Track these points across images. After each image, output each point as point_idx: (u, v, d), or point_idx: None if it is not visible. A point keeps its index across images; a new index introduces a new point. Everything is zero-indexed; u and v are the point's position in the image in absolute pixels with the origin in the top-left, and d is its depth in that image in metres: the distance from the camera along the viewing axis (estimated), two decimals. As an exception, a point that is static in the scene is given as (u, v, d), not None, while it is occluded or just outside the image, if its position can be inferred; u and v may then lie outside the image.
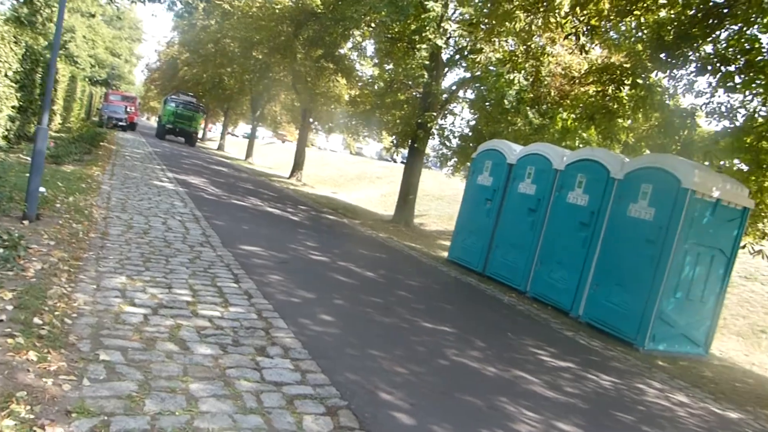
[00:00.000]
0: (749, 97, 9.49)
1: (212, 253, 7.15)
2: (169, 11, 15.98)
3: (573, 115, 12.58)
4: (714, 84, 9.65)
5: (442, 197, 23.92)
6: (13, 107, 11.74)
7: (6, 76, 10.80)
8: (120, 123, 35.51)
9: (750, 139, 9.31)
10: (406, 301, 7.18)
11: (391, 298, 7.05)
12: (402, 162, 36.18)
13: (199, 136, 40.46)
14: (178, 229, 8.18)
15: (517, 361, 5.58)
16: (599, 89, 10.96)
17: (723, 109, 9.74)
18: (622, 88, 10.85)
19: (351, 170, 33.09)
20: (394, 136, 20.05)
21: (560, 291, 8.90)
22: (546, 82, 12.96)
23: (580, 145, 12.93)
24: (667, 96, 10.80)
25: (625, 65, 10.85)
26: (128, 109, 38.91)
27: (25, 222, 6.37)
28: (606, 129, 10.84)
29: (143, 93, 66.42)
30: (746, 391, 6.78)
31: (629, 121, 11.84)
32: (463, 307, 7.84)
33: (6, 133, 11.87)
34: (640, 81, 10.50)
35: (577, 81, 12.32)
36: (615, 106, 11.02)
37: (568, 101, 12.79)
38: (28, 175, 7.95)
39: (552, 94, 12.80)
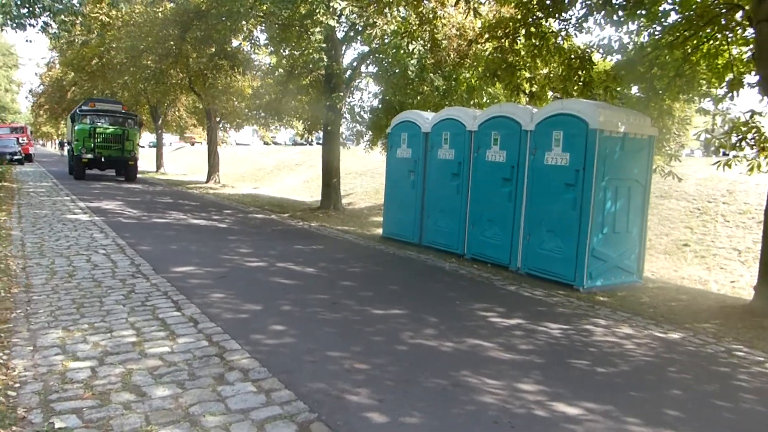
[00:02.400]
0: (635, 29, 9.97)
1: (146, 282, 6.92)
2: (43, 34, 14.96)
3: (476, 74, 12.82)
4: (601, 21, 10.05)
5: (364, 173, 24.01)
6: None
7: None
8: (15, 157, 33.43)
9: (643, 68, 9.79)
10: (352, 290, 7.22)
11: (337, 292, 7.07)
12: (318, 143, 35.94)
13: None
14: (104, 264, 7.84)
15: (470, 329, 5.76)
16: (496, 45, 11.19)
17: (615, 44, 10.19)
18: (517, 40, 11.13)
19: (268, 162, 32.58)
20: (305, 122, 19.84)
21: (496, 247, 9.20)
22: (444, 46, 13.12)
23: (488, 101, 13.26)
24: (561, 39, 11.15)
25: (516, 17, 11.12)
26: (20, 141, 36.71)
27: (-63, 292, 5.95)
28: (510, 83, 11.12)
29: (32, 120, 62.48)
30: (682, 308, 7.29)
31: (530, 71, 12.19)
32: (408, 283, 7.97)
33: None
34: (533, 30, 10.79)
35: (473, 41, 12.53)
36: (514, 59, 11.30)
37: (469, 61, 13.02)
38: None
39: (452, 56, 12.98)
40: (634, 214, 8.35)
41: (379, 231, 12.42)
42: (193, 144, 56.04)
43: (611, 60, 10.67)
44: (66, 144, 33.31)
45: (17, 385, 3.96)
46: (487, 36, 11.62)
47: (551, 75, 12.00)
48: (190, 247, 9.54)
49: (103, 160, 23.26)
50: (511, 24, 11.03)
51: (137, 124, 25.44)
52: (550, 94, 12.60)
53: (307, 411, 3.71)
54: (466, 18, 13.04)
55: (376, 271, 8.79)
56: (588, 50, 10.57)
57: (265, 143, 40.79)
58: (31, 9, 13.20)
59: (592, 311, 6.76)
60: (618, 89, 10.14)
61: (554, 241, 8.21)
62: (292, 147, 41.16)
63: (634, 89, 11.00)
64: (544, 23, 11.02)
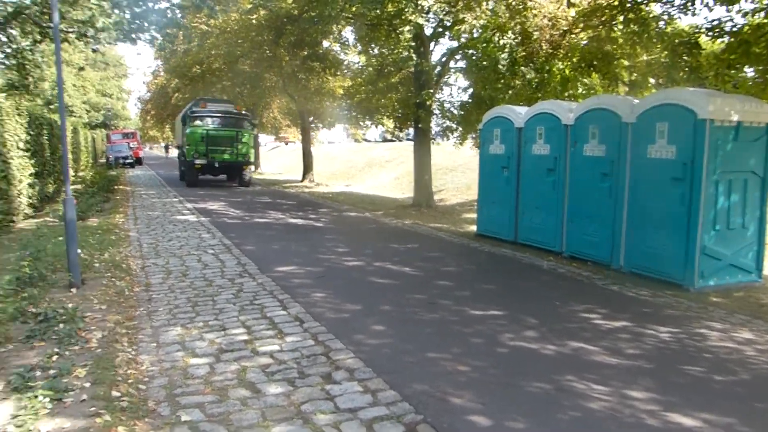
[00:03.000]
0: (749, 5, 9.29)
1: (252, 282, 7.29)
2: (150, 46, 16.05)
3: (570, 65, 12.44)
4: (709, 1, 9.47)
5: (454, 168, 23.89)
6: (30, 174, 11.98)
7: (19, 148, 11.02)
8: (127, 161, 35.95)
9: (759, 49, 9.11)
10: (449, 290, 7.25)
11: (433, 291, 7.13)
12: (407, 139, 36.12)
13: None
14: (213, 263, 8.32)
15: (572, 331, 5.64)
16: (592, 34, 10.81)
17: (726, 26, 9.54)
18: (615, 27, 10.71)
19: (359, 159, 33.09)
20: (395, 119, 20.02)
21: (596, 245, 8.92)
22: (535, 37, 12.80)
23: (583, 93, 12.82)
24: (663, 24, 10.60)
25: (613, 3, 10.68)
26: (131, 145, 39.37)
27: (73, 290, 6.55)
28: (607, 72, 10.71)
29: (140, 125, 66.84)
30: (804, 310, 6.77)
31: (629, 60, 11.68)
32: (506, 283, 7.89)
33: (30, 200, 12.13)
34: (632, 15, 10.33)
35: (567, 31, 12.16)
36: (612, 47, 10.89)
37: (562, 51, 12.65)
38: (61, 239, 8.21)
39: (544, 47, 12.66)
40: (752, 209, 7.80)
41: (473, 228, 12.36)
42: (287, 143, 57.93)
43: (722, 42, 10.00)
44: (176, 148, 30.67)
45: (146, 379, 4.32)
46: (582, 25, 11.25)
47: (653, 62, 11.43)
48: (290, 247, 9.92)
49: (216, 165, 21.60)
50: (607, 11, 10.63)
51: (251, 124, 23.32)
52: (651, 82, 12.04)
53: (412, 412, 3.79)
54: (558, 8, 12.67)
55: (472, 269, 8.77)
56: (695, 33, 9.97)
57: (356, 141, 41.48)
58: (140, 24, 14.16)
59: (705, 313, 6.42)
60: (730, 74, 9.49)
61: (660, 239, 7.85)
62: (382, 144, 41.60)
63: (749, 73, 10.25)
64: (644, 8, 10.53)
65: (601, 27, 10.68)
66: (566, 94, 13.02)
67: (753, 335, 5.71)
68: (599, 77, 12.33)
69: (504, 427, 3.67)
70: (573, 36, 12.47)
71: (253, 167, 23.32)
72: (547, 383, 4.34)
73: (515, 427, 3.68)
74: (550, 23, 13.03)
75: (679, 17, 10.45)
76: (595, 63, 10.97)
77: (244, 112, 23.28)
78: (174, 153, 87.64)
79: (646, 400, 4.11)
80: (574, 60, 12.28)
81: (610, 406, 3.99)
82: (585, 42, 11.87)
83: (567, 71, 12.77)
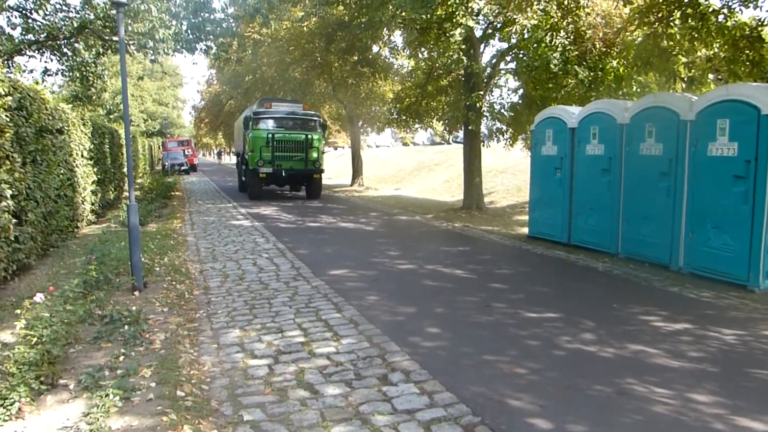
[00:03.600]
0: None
1: (307, 285, 7.41)
2: (206, 56, 16.56)
3: (624, 63, 12.15)
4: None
5: (504, 170, 23.66)
6: (93, 182, 12.52)
7: (83, 156, 11.54)
8: (183, 168, 37.06)
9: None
10: (503, 293, 7.20)
11: (487, 294, 7.09)
12: (456, 142, 35.96)
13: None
14: (268, 267, 8.50)
15: (632, 333, 5.52)
16: (647, 31, 10.53)
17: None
18: (672, 23, 10.40)
19: (408, 163, 33.14)
20: (444, 122, 19.99)
21: (654, 245, 8.69)
22: (588, 36, 12.58)
23: (638, 91, 12.52)
24: (723, 17, 10.23)
25: (669, -1, 10.39)
26: (186, 152, 40.55)
27: (136, 293, 6.81)
28: (664, 69, 10.41)
29: (195, 133, 68.80)
30: None
31: (687, 56, 11.33)
32: (560, 285, 7.77)
33: (93, 206, 12.67)
34: (690, 11, 10.02)
35: (621, 28, 11.89)
36: (669, 44, 10.57)
37: (616, 49, 12.38)
38: (123, 244, 8.55)
39: (597, 46, 12.41)
40: (819, 207, 7.48)
41: (524, 230, 12.21)
42: (336, 148, 58.58)
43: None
44: (235, 155, 26.48)
45: (208, 379, 4.45)
46: (637, 22, 10.98)
47: (712, 57, 11.05)
48: (343, 251, 10.03)
49: (283, 174, 18.87)
50: (664, 6, 10.33)
51: (322, 126, 20.38)
52: (710, 78, 11.64)
53: (470, 414, 3.80)
54: (613, 5, 12.42)
55: (525, 272, 8.68)
56: (757, 26, 9.60)
57: (404, 144, 41.59)
58: (197, 35, 14.62)
59: (771, 315, 6.18)
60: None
61: (722, 238, 7.60)
62: (431, 147, 41.54)
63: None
64: (702, 2, 10.20)
65: (657, 23, 10.38)
66: (620, 92, 12.74)
67: (826, 339, 5.47)
68: (655, 75, 12.00)
69: (564, 429, 3.63)
70: (627, 33, 12.18)
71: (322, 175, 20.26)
72: (607, 386, 4.26)
73: (575, 429, 3.63)
74: (604, 21, 12.78)
75: (740, 10, 10.08)
76: (651, 60, 10.66)
77: (313, 113, 20.30)
78: (227, 160, 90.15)
79: (711, 403, 3.99)
80: (629, 58, 11.99)
81: (673, 409, 3.89)
82: (640, 39, 11.57)
83: (621, 69, 12.49)
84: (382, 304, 6.54)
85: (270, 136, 18.64)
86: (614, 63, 12.60)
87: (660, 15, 10.43)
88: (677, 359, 4.84)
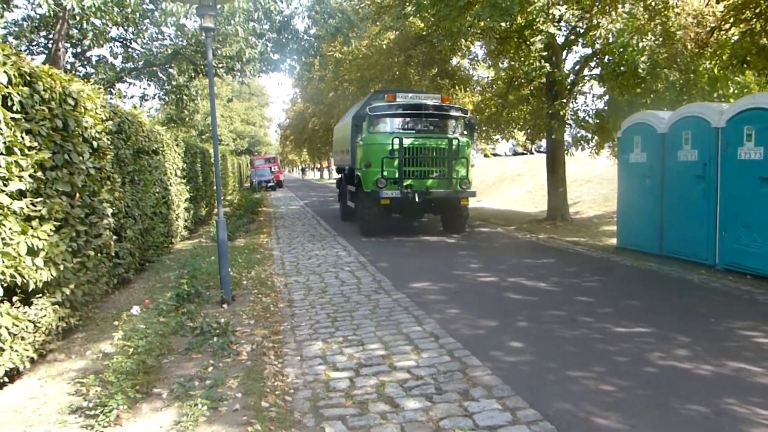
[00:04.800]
0: None
1: (388, 298, 7.45)
2: (290, 76, 17.18)
3: (719, 63, 11.50)
4: None
5: (590, 179, 22.88)
6: (186, 200, 13.20)
7: (176, 175, 12.21)
8: (269, 184, 38.42)
9: None
10: (589, 306, 6.94)
11: (573, 307, 6.85)
12: (539, 152, 35.11)
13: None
14: (350, 280, 8.62)
15: (731, 350, 5.16)
16: (744, 28, 9.93)
17: None
18: (771, 19, 9.79)
19: (489, 174, 32.72)
20: (526, 132, 19.64)
21: (757, 256, 8.13)
22: (678, 37, 12.00)
23: (735, 93, 11.80)
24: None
25: (769, -7, 9.77)
26: (272, 169, 42.03)
27: (225, 306, 7.10)
28: (764, 68, 9.76)
29: (280, 150, 71.23)
30: None
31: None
32: (652, 298, 7.39)
33: (185, 223, 13.35)
34: (793, 4, 9.39)
35: (715, 27, 11.27)
36: (768, 41, 9.94)
37: (710, 50, 11.74)
38: (213, 258, 8.93)
39: (689, 47, 11.82)
40: None
41: (613, 241, 11.74)
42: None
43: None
44: (337, 172, 19.61)
45: (291, 391, 4.55)
46: (732, 19, 10.38)
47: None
48: (424, 263, 10.01)
49: (416, 199, 12.59)
50: (762, 2, 9.73)
51: (470, 127, 14.19)
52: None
53: (555, 432, 3.67)
54: (705, 3, 11.80)
55: (614, 284, 8.32)
56: None
57: (485, 156, 41.16)
58: (281, 54, 15.19)
59: None
60: None
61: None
62: (513, 157, 40.86)
63: None
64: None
65: (754, 19, 9.77)
66: (715, 95, 12.07)
67: None
68: (754, 74, 11.27)
69: (655, 453, 3.45)
70: (722, 32, 11.54)
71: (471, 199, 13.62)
72: (705, 406, 4.00)
73: (668, 453, 3.44)
74: (695, 20, 12.17)
75: None
76: (748, 59, 10.05)
77: (458, 107, 14.51)
78: (311, 175, 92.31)
79: (824, 430, 3.66)
80: (724, 58, 11.35)
81: (780, 435, 3.60)
82: (736, 37, 10.92)
83: (715, 70, 11.84)
84: (463, 318, 6.46)
85: (396, 142, 12.65)
86: (708, 64, 11.96)
87: (758, 10, 9.85)
88: (784, 379, 4.48)
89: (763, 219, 7.98)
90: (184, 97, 18.04)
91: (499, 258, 10.55)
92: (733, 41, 11.21)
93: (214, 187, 18.93)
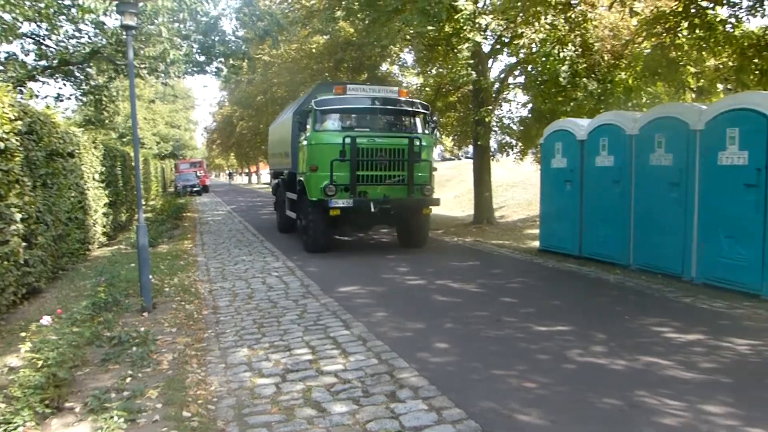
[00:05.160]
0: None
1: (316, 303, 7.38)
2: (217, 78, 16.72)
3: (634, 74, 12.14)
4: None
5: (515, 184, 23.59)
6: (105, 204, 12.64)
7: (94, 179, 11.67)
8: (195, 189, 37.38)
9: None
10: (513, 306, 7.13)
11: (497, 308, 7.02)
12: (466, 158, 35.89)
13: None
14: (277, 285, 8.49)
15: (643, 345, 5.43)
16: (655, 42, 10.51)
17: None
18: (679, 34, 10.39)
19: (419, 179, 33.17)
20: (453, 138, 20.04)
21: (666, 257, 8.60)
22: (596, 48, 12.58)
23: (648, 102, 12.48)
24: (730, 27, 10.19)
25: (677, 10, 10.37)
26: (198, 174, 40.91)
27: (145, 314, 6.83)
28: (673, 80, 10.37)
29: (206, 154, 69.53)
30: None
31: (696, 66, 11.30)
32: (571, 298, 7.68)
33: (104, 229, 12.77)
34: (698, 21, 10.00)
35: (629, 40, 11.88)
36: (677, 54, 10.55)
37: (625, 61, 12.36)
38: (133, 265, 8.58)
39: (606, 58, 12.40)
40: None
41: (536, 244, 12.13)
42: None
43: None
44: (272, 177, 17.62)
45: (215, 399, 4.42)
46: (645, 33, 10.97)
47: (721, 67, 11.00)
48: (352, 268, 10.00)
49: (372, 209, 10.85)
50: (671, 17, 10.33)
51: (431, 123, 12.66)
52: (719, 87, 11.58)
53: (479, 430, 3.73)
54: (620, 18, 12.42)
55: (537, 285, 8.59)
56: (765, 35, 9.55)
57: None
58: (207, 56, 14.80)
59: (788, 326, 6.06)
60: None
61: (734, 248, 7.49)
62: (441, 163, 41.57)
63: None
64: (710, 12, 10.18)
65: (665, 34, 10.37)
66: (630, 104, 12.71)
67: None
68: (664, 85, 11.96)
69: (574, 446, 3.57)
70: (636, 45, 12.18)
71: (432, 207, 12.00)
72: (619, 399, 4.18)
73: (586, 446, 3.57)
74: (612, 33, 12.79)
75: (748, 19, 10.06)
76: (659, 71, 10.65)
77: (417, 101, 12.46)
78: (239, 180, 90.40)
79: (725, 415, 3.90)
80: (638, 69, 11.98)
81: (686, 422, 3.81)
82: (648, 50, 11.55)
83: (630, 81, 12.47)
84: (390, 321, 6.49)
85: (349, 141, 10.76)
86: (623, 75, 12.58)
87: (667, 26, 10.43)
88: (690, 371, 4.74)
89: (671, 222, 8.44)
90: (104, 98, 17.26)
91: (426, 261, 10.68)
92: (645, 54, 11.83)
93: (136, 192, 18.27)
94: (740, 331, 5.87)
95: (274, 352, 5.45)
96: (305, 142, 11.59)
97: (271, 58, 22.76)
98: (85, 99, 17.23)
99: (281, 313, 6.89)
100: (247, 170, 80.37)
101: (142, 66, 14.34)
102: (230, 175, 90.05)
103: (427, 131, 12.09)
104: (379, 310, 6.97)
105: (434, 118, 12.56)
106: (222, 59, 15.16)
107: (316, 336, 5.93)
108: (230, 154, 59.42)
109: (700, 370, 4.76)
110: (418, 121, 12.10)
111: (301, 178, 11.75)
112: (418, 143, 11.14)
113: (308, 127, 11.60)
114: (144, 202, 22.86)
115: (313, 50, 19.84)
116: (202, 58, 14.90)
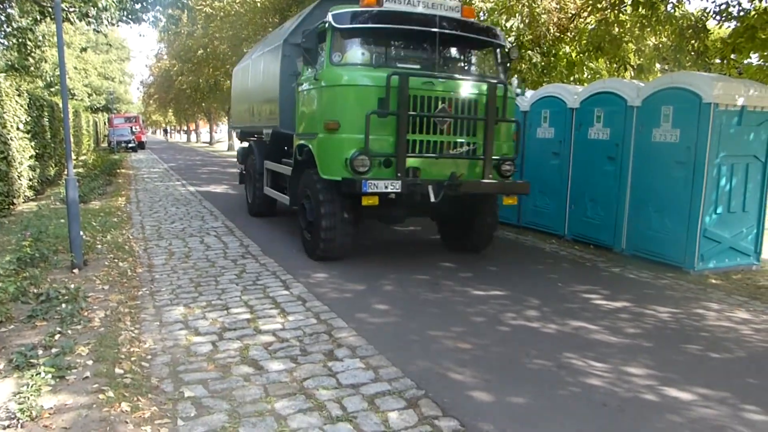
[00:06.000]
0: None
1: (255, 263, 7.30)
2: (154, 28, 15.96)
3: (577, 48, 12.37)
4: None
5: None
6: (31, 157, 11.98)
7: (19, 129, 11.02)
8: (130, 145, 35.97)
9: (765, 35, 9.06)
10: (452, 271, 7.27)
11: (437, 272, 7.14)
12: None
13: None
14: (216, 245, 8.34)
15: (574, 311, 5.66)
16: (600, 17, 10.72)
17: (733, 10, 9.47)
18: (623, 11, 10.63)
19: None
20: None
21: (599, 228, 8.92)
22: (543, 20, 12.71)
23: (589, 77, 12.77)
24: (671, 7, 10.49)
25: (621, -14, 10.60)
26: (134, 129, 39.32)
27: (76, 271, 6.57)
28: (614, 56, 10.65)
29: (143, 110, 66.81)
30: (805, 292, 6.79)
31: (637, 43, 11.62)
32: (508, 265, 7.88)
33: (30, 182, 12.14)
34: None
35: (575, 14, 12.06)
36: (620, 31, 10.80)
37: (569, 35, 12.57)
38: (63, 221, 8.22)
39: (552, 31, 12.57)
40: (752, 193, 7.80)
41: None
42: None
43: (729, 27, 9.93)
44: (240, 140, 13.18)
45: (149, 357, 4.34)
46: (590, 8, 11.16)
47: (660, 46, 11.36)
48: (293, 228, 9.90)
49: (433, 199, 6.76)
50: (616, -6, 10.55)
51: (506, 65, 8.13)
52: (657, 66, 11.97)
53: (414, 388, 3.82)
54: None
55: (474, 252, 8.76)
56: (702, 18, 9.89)
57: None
58: (144, 4, 14.08)
59: (704, 294, 6.44)
60: (736, 59, 9.45)
61: (662, 222, 7.85)
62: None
63: (755, 58, 10.20)
64: (652, -10, 10.44)
65: (609, 10, 10.58)
66: (572, 78, 12.96)
67: (749, 315, 5.77)
68: (606, 61, 12.25)
69: (505, 402, 3.70)
70: (581, 19, 12.38)
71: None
72: (548, 360, 4.37)
73: (517, 402, 3.71)
74: (558, 6, 12.93)
75: (688, 1, 10.38)
76: (602, 46, 10.90)
77: (489, 26, 8.33)
78: (178, 138, 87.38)
79: (644, 376, 4.15)
80: (582, 43, 12.20)
81: (609, 381, 4.02)
82: (593, 26, 11.77)
83: (574, 55, 12.70)
84: (330, 282, 6.50)
85: (396, 83, 6.73)
86: (567, 48, 12.79)
87: (612, 2, 10.64)
88: (615, 335, 4.99)
89: (604, 194, 8.74)
90: (28, 43, 16.18)
91: (370, 225, 10.69)
92: (590, 29, 12.05)
93: (65, 145, 17.41)
94: (662, 299, 6.20)
95: (211, 311, 5.38)
96: (312, 85, 7.41)
97: (213, 11, 21.93)
98: (6, 42, 16.12)
99: (219, 273, 6.79)
100: (185, 128, 77.82)
101: (71, 9, 13.51)
102: (165, 131, 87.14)
103: (503, 71, 8.01)
104: (320, 271, 6.97)
105: (513, 56, 7.96)
106: (160, 8, 14.46)
107: (254, 296, 5.88)
108: (168, 110, 57.26)
109: (625, 335, 5.02)
110: (492, 58, 8.22)
111: (304, 142, 7.57)
112: (501, 93, 7.27)
113: (321, 59, 7.29)
114: (75, 157, 21.84)
115: (258, 4, 19.21)
116: (138, 6, 14.15)
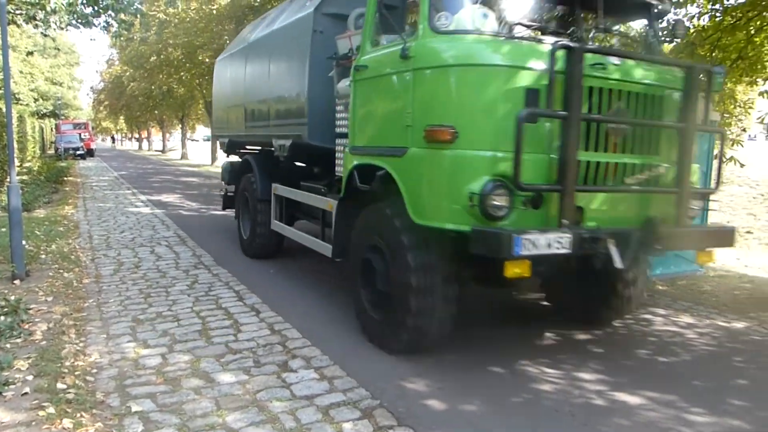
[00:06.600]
0: (695, 9, 9.58)
1: (208, 273, 7.16)
2: (105, 33, 15.54)
3: None
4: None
5: None
6: (-30, 164, 11.50)
7: (-44, 135, 10.56)
8: (78, 152, 34.92)
9: (704, 51, 9.41)
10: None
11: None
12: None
13: None
14: (167, 255, 8.15)
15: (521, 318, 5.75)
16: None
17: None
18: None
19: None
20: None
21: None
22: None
23: None
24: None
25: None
26: (82, 136, 38.21)
27: (17, 282, 6.31)
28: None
29: (93, 116, 64.99)
30: (746, 297, 7.07)
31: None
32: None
33: (-31, 190, 11.64)
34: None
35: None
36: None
37: None
38: (4, 230, 7.90)
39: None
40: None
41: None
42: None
43: (670, 44, 10.29)
44: (227, 153, 9.90)
45: (95, 370, 4.19)
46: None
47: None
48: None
49: (619, 264, 3.88)
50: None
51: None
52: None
53: (369, 398, 3.80)
54: None
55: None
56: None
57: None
58: (95, 8, 13.70)
59: (651, 300, 6.64)
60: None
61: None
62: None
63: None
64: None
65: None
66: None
67: (694, 320, 6.00)
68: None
69: (458, 410, 3.72)
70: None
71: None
72: (502, 368, 4.42)
73: (469, 409, 3.74)
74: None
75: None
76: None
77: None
78: (128, 146, 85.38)
79: (594, 381, 4.25)
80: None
81: (560, 387, 4.10)
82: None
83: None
84: (286, 292, 6.44)
85: (561, 66, 3.85)
86: None
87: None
88: (567, 341, 5.10)
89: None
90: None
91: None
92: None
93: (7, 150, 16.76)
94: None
95: (161, 323, 5.25)
96: (394, 68, 4.55)
97: (167, 17, 21.55)
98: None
99: (170, 284, 6.63)
100: (137, 135, 75.97)
101: (18, 12, 13.04)
102: (112, 138, 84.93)
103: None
104: (276, 281, 6.90)
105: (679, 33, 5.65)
106: (111, 13, 14.10)
107: (206, 306, 5.76)
108: (119, 117, 55.86)
109: (575, 341, 5.13)
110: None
111: (374, 162, 4.77)
112: (704, 86, 4.61)
113: (420, 23, 4.40)
114: (18, 163, 21.03)
115: (214, 12, 19.00)
116: (89, 10, 13.76)
